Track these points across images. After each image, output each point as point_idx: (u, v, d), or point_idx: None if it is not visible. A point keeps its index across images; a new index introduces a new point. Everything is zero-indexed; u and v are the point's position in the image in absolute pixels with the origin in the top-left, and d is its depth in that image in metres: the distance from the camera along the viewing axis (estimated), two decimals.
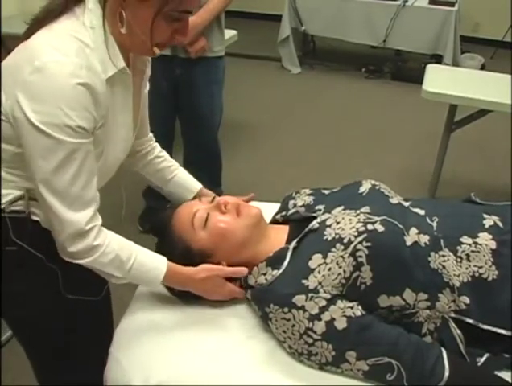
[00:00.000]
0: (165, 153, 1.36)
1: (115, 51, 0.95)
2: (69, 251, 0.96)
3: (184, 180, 1.35)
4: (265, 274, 1.09)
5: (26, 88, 0.86)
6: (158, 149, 1.34)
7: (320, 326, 0.98)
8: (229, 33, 3.16)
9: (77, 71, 0.87)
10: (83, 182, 0.93)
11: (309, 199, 1.27)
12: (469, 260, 1.05)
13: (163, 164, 1.34)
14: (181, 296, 1.18)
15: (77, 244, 0.95)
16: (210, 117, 2.42)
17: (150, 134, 1.33)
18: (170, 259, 1.09)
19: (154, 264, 1.05)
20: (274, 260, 1.10)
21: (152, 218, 2.16)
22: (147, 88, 1.22)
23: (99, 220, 0.99)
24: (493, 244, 1.06)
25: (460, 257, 1.05)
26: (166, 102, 2.25)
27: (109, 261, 0.99)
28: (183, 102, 2.32)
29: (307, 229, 1.12)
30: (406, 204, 1.19)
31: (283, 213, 1.29)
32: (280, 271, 1.07)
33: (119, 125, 1.04)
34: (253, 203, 1.27)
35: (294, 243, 1.11)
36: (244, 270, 1.12)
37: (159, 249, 1.17)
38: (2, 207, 0.99)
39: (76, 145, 0.90)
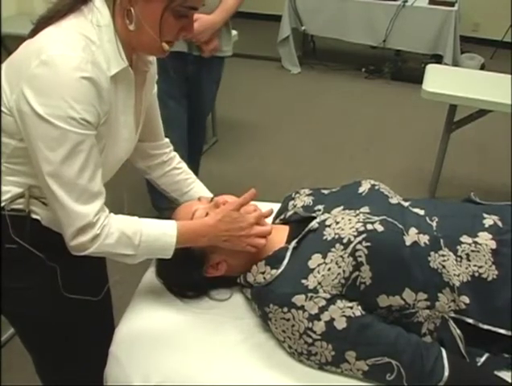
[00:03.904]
0: (183, 165, 1.35)
1: (120, 50, 0.96)
2: (76, 243, 0.95)
3: (200, 194, 1.32)
4: (263, 273, 1.09)
5: (32, 80, 0.87)
6: (176, 160, 1.33)
7: (319, 326, 0.98)
8: None
9: (83, 66, 0.88)
10: (89, 174, 0.93)
11: (308, 200, 1.27)
12: (469, 260, 1.05)
13: (181, 176, 1.33)
14: (181, 295, 1.18)
15: (84, 236, 0.94)
16: (207, 115, 2.55)
17: (167, 140, 1.32)
18: (170, 259, 1.09)
19: (163, 230, 1.02)
20: (274, 260, 1.10)
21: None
22: (155, 89, 1.22)
23: (106, 211, 0.98)
24: (492, 244, 1.06)
25: (460, 257, 1.05)
26: (180, 104, 2.26)
27: (116, 241, 0.97)
28: (189, 100, 2.34)
29: (306, 229, 1.12)
30: (406, 204, 1.19)
31: (283, 214, 1.29)
32: (279, 271, 1.07)
33: (121, 124, 1.05)
34: (253, 203, 1.27)
35: (294, 243, 1.11)
36: (253, 192, 1.10)
37: None
38: (2, 204, 0.99)
39: (81, 136, 0.90)
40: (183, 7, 0.93)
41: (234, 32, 3.18)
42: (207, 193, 1.34)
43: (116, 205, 1.28)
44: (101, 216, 0.96)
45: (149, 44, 0.97)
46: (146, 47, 1.01)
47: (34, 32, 0.94)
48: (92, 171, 0.94)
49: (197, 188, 1.34)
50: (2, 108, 0.93)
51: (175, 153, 1.34)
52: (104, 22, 0.93)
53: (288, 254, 1.09)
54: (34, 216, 1.02)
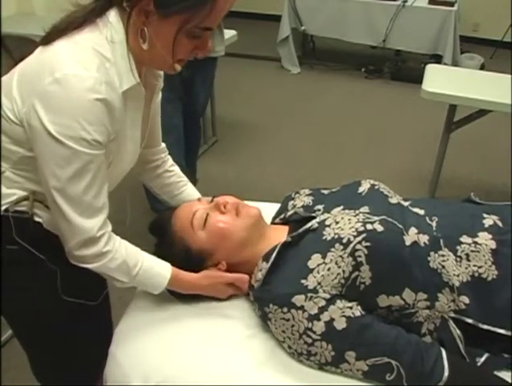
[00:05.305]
0: (176, 168, 1.35)
1: (132, 67, 0.95)
2: (78, 255, 0.98)
3: (191, 198, 1.33)
4: (261, 270, 1.10)
5: (45, 97, 0.86)
6: (169, 163, 1.34)
7: (319, 327, 0.98)
8: (229, 33, 3.17)
9: (97, 87, 0.87)
10: (95, 191, 0.94)
11: (308, 200, 1.27)
12: (469, 260, 1.05)
13: (172, 179, 1.33)
14: (181, 297, 1.18)
15: (87, 250, 0.97)
16: (202, 114, 2.60)
17: (163, 145, 1.32)
18: (169, 259, 1.09)
19: (158, 270, 1.08)
20: (269, 256, 1.10)
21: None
22: (159, 97, 1.22)
23: (109, 227, 1.00)
24: (492, 244, 1.06)
25: (460, 257, 1.05)
26: (176, 107, 2.28)
27: (117, 267, 1.01)
28: (184, 102, 2.35)
29: (305, 227, 1.12)
30: (406, 204, 1.19)
31: (283, 214, 1.29)
32: (269, 263, 1.07)
33: (128, 138, 1.05)
34: (253, 203, 1.27)
35: (288, 237, 1.11)
36: (245, 278, 1.14)
37: (158, 249, 1.18)
38: (6, 206, 0.99)
39: (91, 156, 0.90)
40: (198, 28, 0.91)
41: (234, 32, 3.20)
42: (198, 196, 1.35)
43: (118, 207, 1.28)
44: (105, 233, 0.98)
45: (161, 63, 0.97)
46: (157, 65, 1.02)
47: (46, 41, 0.92)
48: (99, 188, 0.95)
49: (188, 191, 1.35)
50: (11, 117, 0.92)
51: (168, 157, 1.34)
52: (118, 38, 0.92)
53: (278, 246, 1.09)
54: (36, 219, 1.03)
